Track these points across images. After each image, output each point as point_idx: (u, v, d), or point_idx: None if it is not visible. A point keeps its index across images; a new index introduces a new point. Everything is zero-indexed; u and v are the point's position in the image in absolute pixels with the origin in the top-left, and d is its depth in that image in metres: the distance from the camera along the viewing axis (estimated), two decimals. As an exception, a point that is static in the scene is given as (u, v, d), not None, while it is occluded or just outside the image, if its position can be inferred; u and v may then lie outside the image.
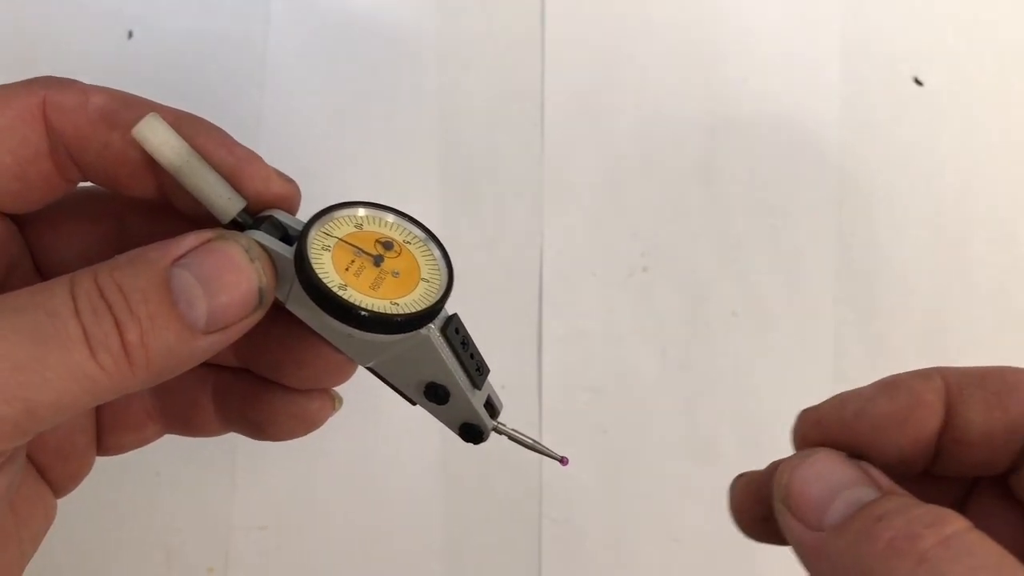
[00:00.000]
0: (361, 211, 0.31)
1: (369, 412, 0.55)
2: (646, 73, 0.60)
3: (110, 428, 0.35)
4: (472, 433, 0.31)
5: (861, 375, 0.58)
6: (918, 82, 0.60)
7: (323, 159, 0.58)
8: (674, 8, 0.60)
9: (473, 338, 0.32)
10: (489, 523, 0.56)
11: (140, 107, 0.29)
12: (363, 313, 0.28)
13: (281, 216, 0.30)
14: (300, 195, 0.31)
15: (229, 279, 0.27)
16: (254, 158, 0.30)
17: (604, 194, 0.59)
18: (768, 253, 0.58)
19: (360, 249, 0.30)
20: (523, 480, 0.56)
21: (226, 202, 0.29)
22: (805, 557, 0.25)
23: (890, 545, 0.22)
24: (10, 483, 0.29)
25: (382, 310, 0.29)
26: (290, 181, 0.31)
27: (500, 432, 0.31)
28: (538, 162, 0.58)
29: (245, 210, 0.30)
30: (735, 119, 0.60)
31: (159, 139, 0.28)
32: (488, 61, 0.59)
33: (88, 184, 0.32)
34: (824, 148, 0.60)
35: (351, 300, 0.28)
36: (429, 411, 0.32)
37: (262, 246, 0.29)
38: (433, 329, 0.30)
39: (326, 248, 0.29)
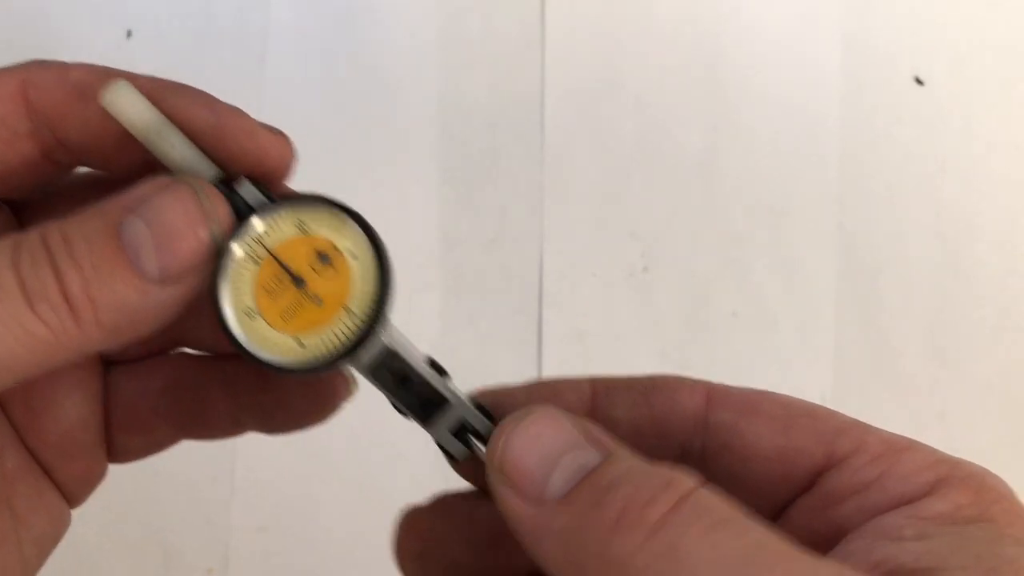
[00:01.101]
0: (310, 208, 0.27)
1: (369, 412, 0.55)
2: (646, 73, 0.60)
3: (119, 428, 0.33)
4: (446, 453, 0.28)
5: (861, 375, 0.59)
6: (919, 81, 0.60)
7: (323, 159, 0.58)
8: (674, 8, 0.60)
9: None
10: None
11: (119, 78, 0.28)
12: (251, 355, 0.26)
13: (247, 193, 0.27)
14: (292, 149, 0.28)
15: (179, 223, 0.25)
16: (237, 113, 0.27)
17: (604, 194, 0.59)
18: (768, 253, 0.58)
19: (284, 266, 0.27)
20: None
21: (200, 169, 0.27)
22: (528, 537, 0.23)
23: (622, 517, 0.21)
24: None
25: (276, 354, 0.26)
26: (278, 133, 0.28)
27: (479, 456, 0.27)
28: (538, 162, 0.58)
29: (222, 181, 0.27)
30: (735, 119, 0.60)
31: (126, 105, 0.27)
32: (488, 61, 0.59)
33: (85, 170, 0.31)
34: (824, 148, 0.60)
35: (244, 338, 0.26)
36: None
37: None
38: (361, 367, 0.27)
39: (254, 259, 0.27)
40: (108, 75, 0.28)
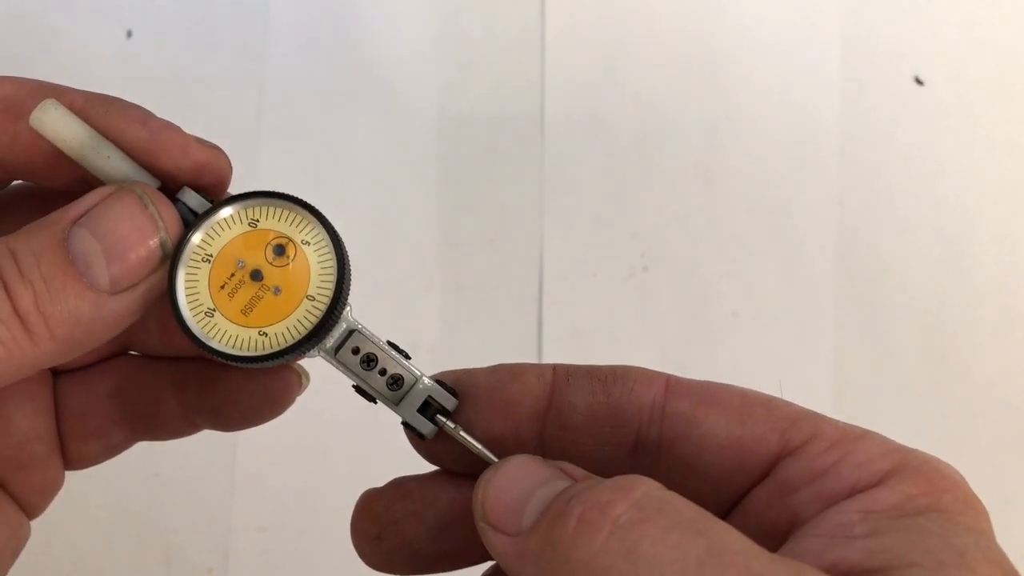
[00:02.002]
0: (257, 204, 0.28)
1: (369, 412, 0.55)
2: (646, 73, 0.60)
3: (72, 435, 0.32)
4: (413, 431, 0.28)
5: (861, 375, 0.59)
6: (919, 81, 0.60)
7: (323, 159, 0.58)
8: (674, 8, 0.60)
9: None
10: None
11: (48, 94, 0.27)
12: (216, 352, 0.26)
13: (191, 200, 0.27)
14: (228, 163, 0.28)
15: (127, 232, 0.25)
16: (169, 128, 0.27)
17: (604, 194, 0.59)
18: (768, 253, 0.58)
19: (241, 261, 0.27)
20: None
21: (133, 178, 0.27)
22: (511, 569, 0.23)
23: (581, 521, 0.21)
24: None
25: (240, 348, 0.26)
26: (212, 147, 0.28)
27: (447, 432, 0.28)
28: (538, 162, 0.58)
29: (162, 190, 0.27)
30: (735, 119, 0.60)
31: (57, 125, 0.26)
32: (488, 61, 0.59)
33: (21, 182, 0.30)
34: (824, 148, 0.60)
35: (205, 337, 0.26)
36: None
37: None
38: (325, 351, 0.27)
39: (207, 259, 0.27)
40: (37, 90, 0.27)
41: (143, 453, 0.36)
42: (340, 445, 0.56)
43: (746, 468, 0.26)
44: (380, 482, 0.57)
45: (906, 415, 0.57)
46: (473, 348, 0.56)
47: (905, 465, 0.24)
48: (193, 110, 0.57)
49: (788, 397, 0.27)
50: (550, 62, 0.59)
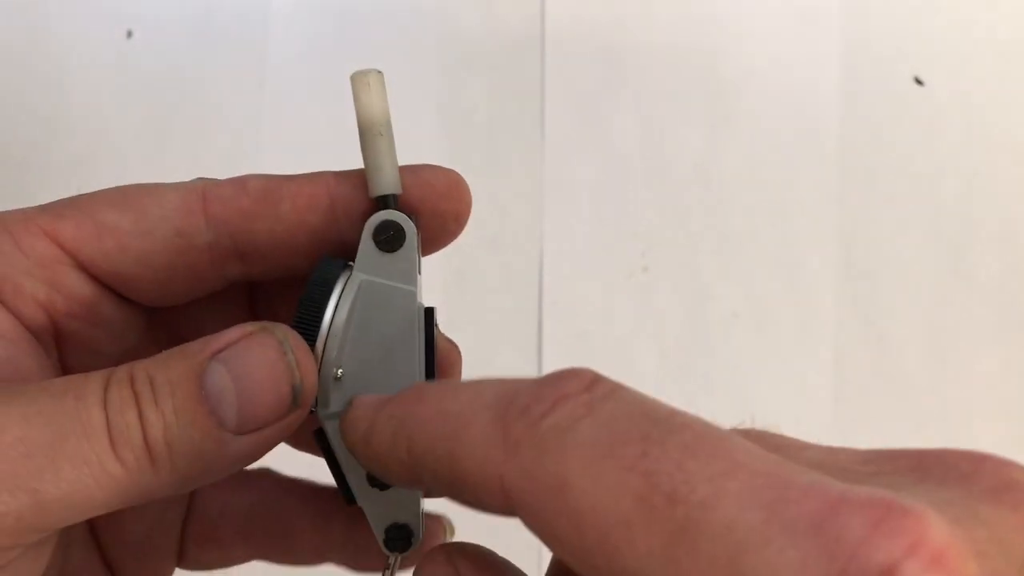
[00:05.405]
0: None
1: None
2: (646, 73, 0.60)
3: (195, 538, 0.32)
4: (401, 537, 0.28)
5: (861, 375, 0.59)
6: (919, 82, 0.60)
7: (323, 159, 0.58)
8: (674, 8, 0.60)
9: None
10: (491, 523, 0.56)
11: (298, 180, 0.28)
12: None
13: (372, 277, 0.27)
14: (469, 194, 0.28)
15: (261, 375, 0.25)
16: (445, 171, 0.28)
17: (604, 194, 0.59)
18: (768, 253, 0.58)
19: None
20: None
21: (384, 179, 0.28)
22: None
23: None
24: None
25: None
26: (449, 172, 0.28)
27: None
28: (538, 162, 0.58)
29: (396, 198, 0.28)
30: (735, 119, 0.60)
31: (372, 93, 0.28)
32: (488, 61, 0.59)
33: None
34: (824, 148, 0.60)
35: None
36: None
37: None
38: None
39: None
40: (285, 182, 0.28)
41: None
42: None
43: None
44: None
45: (906, 415, 0.57)
46: (473, 348, 0.56)
47: None
48: (193, 110, 0.57)
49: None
50: (550, 61, 0.59)
